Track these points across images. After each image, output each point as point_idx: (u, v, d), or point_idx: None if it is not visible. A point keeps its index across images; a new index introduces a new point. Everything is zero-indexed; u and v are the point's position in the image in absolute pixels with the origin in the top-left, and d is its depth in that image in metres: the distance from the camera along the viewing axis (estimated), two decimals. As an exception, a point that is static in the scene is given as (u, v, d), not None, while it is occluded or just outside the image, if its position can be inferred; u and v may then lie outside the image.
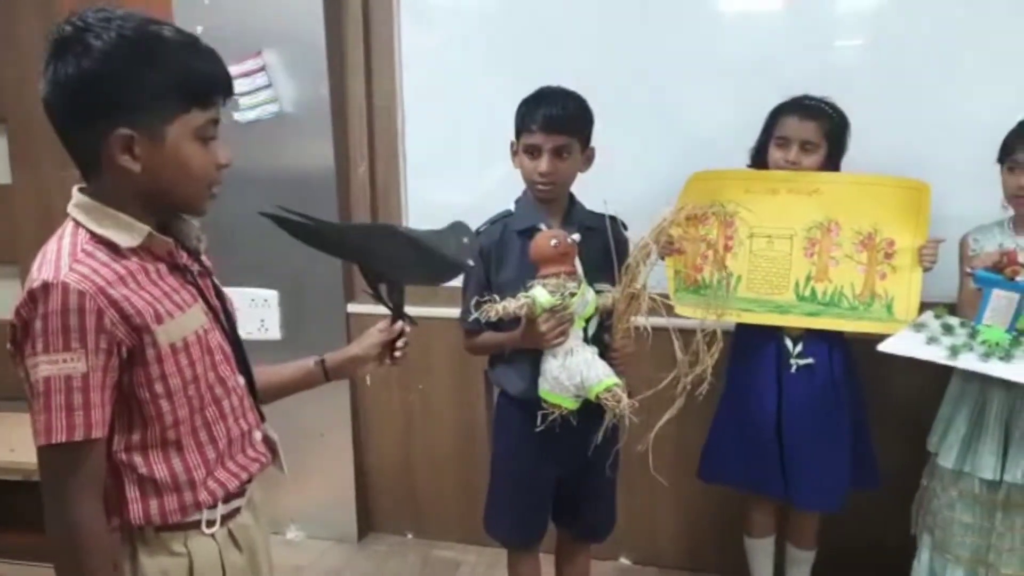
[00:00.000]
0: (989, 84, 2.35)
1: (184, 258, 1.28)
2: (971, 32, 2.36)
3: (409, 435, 3.07)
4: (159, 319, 1.18)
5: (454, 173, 2.82)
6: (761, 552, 2.46)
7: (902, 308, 2.11)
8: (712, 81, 2.56)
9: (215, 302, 1.33)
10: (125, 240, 1.18)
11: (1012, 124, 2.05)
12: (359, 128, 2.90)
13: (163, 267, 1.23)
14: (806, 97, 2.21)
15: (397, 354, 1.59)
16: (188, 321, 1.23)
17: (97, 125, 1.14)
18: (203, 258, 1.35)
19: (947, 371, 2.08)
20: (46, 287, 1.11)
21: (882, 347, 1.94)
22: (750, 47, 2.52)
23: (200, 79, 1.18)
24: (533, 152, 1.98)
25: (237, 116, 2.83)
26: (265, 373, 1.50)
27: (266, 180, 2.82)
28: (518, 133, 2.02)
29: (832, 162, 2.20)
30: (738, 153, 2.31)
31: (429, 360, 2.95)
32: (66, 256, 1.14)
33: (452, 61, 2.79)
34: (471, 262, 1.64)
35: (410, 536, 3.15)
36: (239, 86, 2.81)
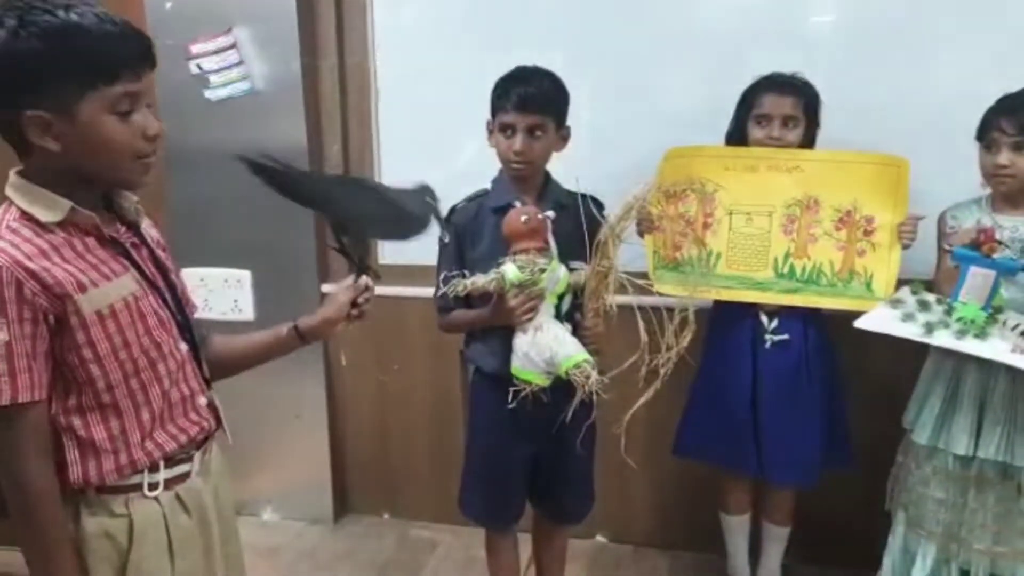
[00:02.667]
0: (964, 59, 2.34)
1: (120, 231, 1.32)
2: (946, 5, 2.35)
3: (385, 415, 3.05)
4: (81, 288, 1.22)
5: (429, 151, 2.76)
6: (737, 529, 2.47)
7: (881, 285, 2.11)
8: (687, 57, 2.54)
9: (152, 271, 1.36)
10: (47, 216, 1.22)
11: (988, 98, 2.03)
12: (332, 106, 2.86)
13: (92, 240, 1.27)
14: (778, 74, 2.20)
15: (359, 310, 1.58)
16: (115, 289, 1.27)
17: (9, 109, 1.17)
18: (147, 230, 1.39)
19: (924, 348, 2.07)
20: None
21: (858, 323, 1.93)
22: (724, 22, 2.50)
23: (100, 56, 1.19)
24: (508, 131, 1.96)
25: (208, 94, 2.80)
26: (237, 341, 1.55)
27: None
28: (493, 112, 2.01)
29: (808, 137, 2.20)
30: (714, 130, 2.28)
31: (405, 340, 2.92)
32: None
33: (426, 38, 2.75)
34: (434, 222, 1.65)
35: (387, 516, 3.14)
36: (209, 63, 2.77)
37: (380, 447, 3.08)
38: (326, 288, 2.88)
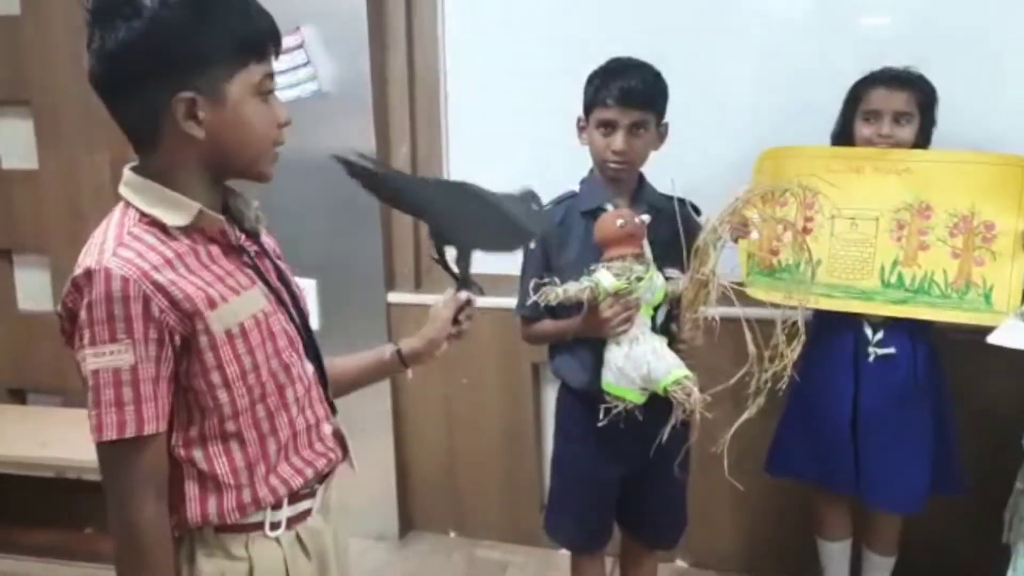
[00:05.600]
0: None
1: (241, 238, 1.20)
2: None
3: (452, 429, 2.94)
4: (212, 304, 1.09)
5: (500, 153, 2.67)
6: (836, 557, 2.29)
7: (1002, 298, 1.94)
8: (783, 49, 2.39)
9: (277, 284, 1.23)
10: (174, 219, 1.10)
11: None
12: (401, 107, 2.78)
13: (216, 249, 1.15)
14: (889, 68, 2.05)
15: (458, 328, 1.48)
16: (245, 305, 1.14)
17: (155, 91, 1.06)
18: (263, 238, 1.26)
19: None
20: (89, 274, 1.04)
21: (992, 339, 1.76)
22: (827, 10, 2.36)
23: (254, 30, 1.10)
24: (607, 128, 1.84)
25: (274, 95, 2.72)
26: (336, 365, 1.42)
27: (304, 162, 2.67)
28: (588, 107, 1.88)
29: (923, 136, 2.05)
30: (813, 129, 2.14)
31: (473, 351, 2.80)
32: (111, 240, 1.07)
33: (498, 36, 2.66)
34: (540, 231, 1.56)
35: (453, 535, 3.02)
36: (276, 64, 2.69)
37: (447, 462, 2.97)
38: (392, 298, 2.83)
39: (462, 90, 2.72)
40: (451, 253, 1.47)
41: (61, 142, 2.99)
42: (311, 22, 2.67)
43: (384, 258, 2.83)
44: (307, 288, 2.81)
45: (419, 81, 2.77)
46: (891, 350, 2.07)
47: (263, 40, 1.12)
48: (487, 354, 2.79)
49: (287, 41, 2.63)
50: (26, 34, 2.95)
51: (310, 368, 1.27)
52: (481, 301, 2.55)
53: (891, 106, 2.01)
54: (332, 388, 1.37)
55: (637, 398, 1.78)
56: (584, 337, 1.84)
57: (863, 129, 2.05)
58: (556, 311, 1.85)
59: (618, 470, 1.96)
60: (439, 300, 1.49)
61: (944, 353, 2.12)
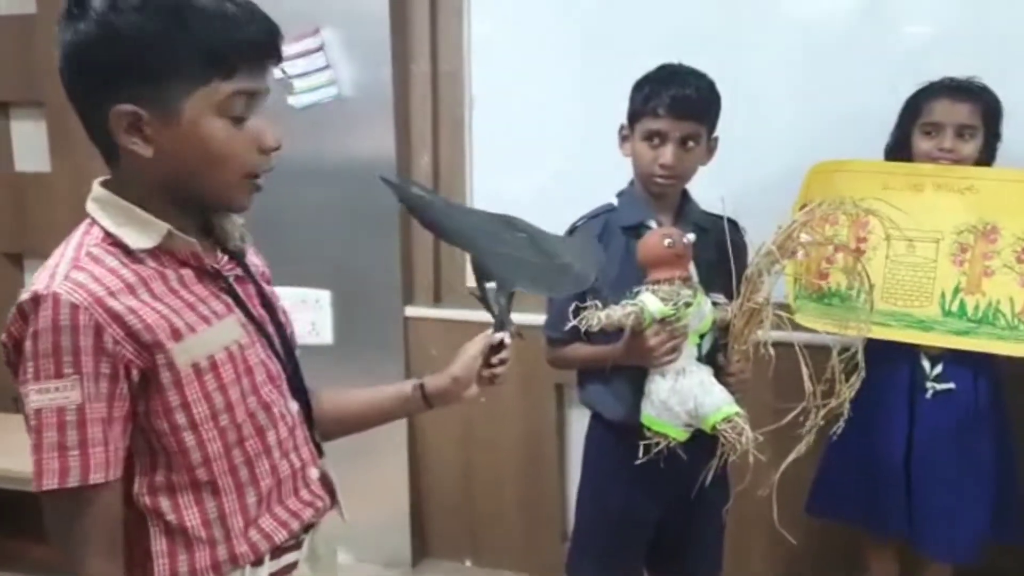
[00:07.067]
0: None
1: (222, 261, 1.09)
2: None
3: (470, 452, 2.82)
4: (176, 335, 0.98)
5: (528, 163, 2.56)
6: (885, 607, 2.15)
7: None
8: (828, 57, 2.25)
9: (259, 312, 1.11)
10: (138, 241, 1.00)
11: None
12: (423, 115, 2.67)
13: (189, 273, 1.03)
14: (951, 78, 1.92)
15: (491, 372, 1.33)
16: (216, 336, 1.03)
17: (99, 101, 0.96)
18: (251, 258, 1.15)
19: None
20: (36, 300, 0.94)
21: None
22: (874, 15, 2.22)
23: (218, 44, 0.96)
24: (655, 139, 1.71)
25: (292, 100, 2.62)
26: (352, 398, 1.30)
27: (322, 170, 2.62)
28: (635, 116, 1.75)
29: (987, 152, 1.92)
30: (860, 140, 2.00)
31: (494, 371, 2.68)
32: (66, 261, 0.98)
33: (526, 39, 2.54)
34: (593, 278, 1.44)
35: (468, 563, 2.90)
36: (294, 67, 2.59)
37: (464, 486, 2.84)
38: (410, 312, 2.71)
39: (488, 96, 2.61)
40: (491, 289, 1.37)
41: (74, 145, 2.90)
42: (332, 24, 2.56)
43: (402, 269, 2.71)
44: (321, 300, 2.71)
45: (443, 87, 2.66)
46: (951, 385, 1.93)
47: (230, 56, 0.97)
48: (508, 372, 2.65)
49: (306, 43, 2.56)
50: (42, 33, 2.85)
51: (295, 406, 1.15)
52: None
53: (954, 119, 1.88)
54: (337, 425, 1.27)
55: (680, 435, 1.64)
56: (623, 365, 1.71)
57: (922, 143, 1.92)
58: (589, 334, 1.72)
59: (654, 511, 1.82)
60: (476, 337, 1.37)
61: (1006, 383, 1.98)
